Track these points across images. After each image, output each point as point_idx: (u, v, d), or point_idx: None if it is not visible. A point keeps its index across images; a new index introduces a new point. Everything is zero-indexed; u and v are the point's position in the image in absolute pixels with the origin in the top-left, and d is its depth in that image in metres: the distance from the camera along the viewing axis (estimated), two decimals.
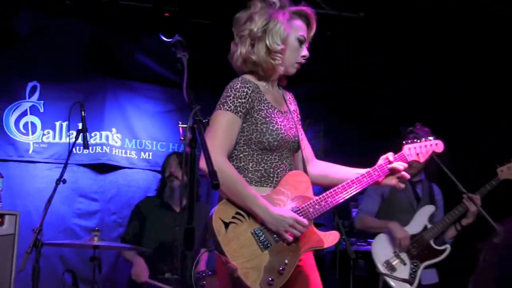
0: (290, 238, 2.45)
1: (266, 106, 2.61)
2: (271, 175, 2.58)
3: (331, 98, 6.24)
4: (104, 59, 5.77)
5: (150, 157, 5.88)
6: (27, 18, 5.48)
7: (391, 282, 4.25)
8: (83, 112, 4.14)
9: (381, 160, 2.76)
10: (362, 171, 2.73)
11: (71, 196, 5.54)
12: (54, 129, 5.62)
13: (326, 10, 5.46)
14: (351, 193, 2.65)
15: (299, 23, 2.72)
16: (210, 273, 4.13)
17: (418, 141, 2.87)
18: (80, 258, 5.29)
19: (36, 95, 5.62)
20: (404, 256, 4.37)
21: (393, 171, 2.73)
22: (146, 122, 5.93)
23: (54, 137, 5.62)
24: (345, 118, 6.24)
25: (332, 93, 6.24)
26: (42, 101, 5.63)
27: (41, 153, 5.56)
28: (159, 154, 5.85)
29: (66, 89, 5.60)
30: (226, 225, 2.41)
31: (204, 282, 4.12)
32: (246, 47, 2.65)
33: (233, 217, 2.44)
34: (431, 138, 2.89)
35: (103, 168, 5.72)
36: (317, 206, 2.57)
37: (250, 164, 2.57)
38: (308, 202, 2.57)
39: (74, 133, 4.15)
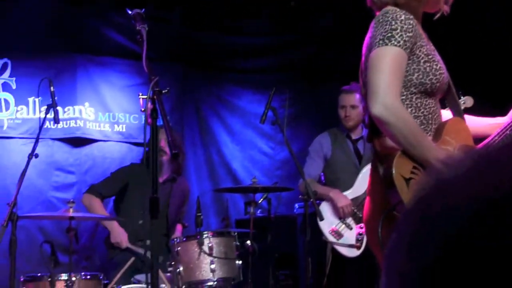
0: None
1: (425, 42, 2.29)
2: (430, 121, 2.27)
3: (296, 66, 6.33)
4: (72, 35, 5.85)
5: (124, 130, 6.01)
6: None
7: (340, 249, 4.32)
8: (52, 88, 4.23)
9: None
10: (501, 120, 2.50)
11: (47, 170, 5.68)
12: (27, 105, 5.71)
13: None
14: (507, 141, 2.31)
15: None
16: (184, 239, 4.25)
17: None
18: (59, 229, 5.44)
19: (8, 72, 5.70)
20: (350, 220, 4.41)
21: None
22: (118, 96, 6.04)
23: (28, 113, 5.71)
24: (312, 84, 6.35)
25: (297, 61, 6.33)
26: (14, 78, 5.71)
27: (15, 129, 5.66)
28: (132, 126, 5.98)
29: (37, 66, 5.68)
30: (407, 181, 2.11)
31: (179, 248, 4.26)
32: None
33: (411, 172, 2.12)
34: None
35: (78, 141, 5.84)
36: None
37: (409, 109, 2.24)
38: None
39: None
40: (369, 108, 2.11)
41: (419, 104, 2.26)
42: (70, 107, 5.83)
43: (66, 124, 5.76)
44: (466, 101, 3.15)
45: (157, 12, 5.94)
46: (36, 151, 5.08)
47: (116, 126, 6.00)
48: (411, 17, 2.23)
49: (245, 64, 6.32)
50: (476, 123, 2.59)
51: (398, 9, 2.23)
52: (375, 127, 2.25)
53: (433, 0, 2.32)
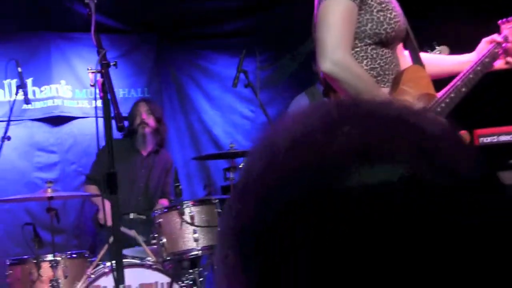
0: None
1: None
2: (387, 72, 2.22)
3: (270, 27, 6.21)
4: (42, 13, 5.77)
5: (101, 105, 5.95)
6: None
7: None
8: (19, 69, 4.21)
9: (484, 44, 2.45)
10: (469, 57, 2.45)
11: (29, 151, 5.65)
12: (3, 88, 5.65)
13: None
14: (470, 85, 2.31)
15: None
16: (165, 210, 4.26)
17: None
18: (44, 209, 5.43)
19: None
20: None
21: (506, 52, 2.43)
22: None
23: (5, 96, 5.65)
24: (287, 45, 6.23)
25: (271, 22, 6.22)
26: None
27: None
28: None
29: (9, 47, 5.60)
30: None
31: (161, 220, 4.27)
32: None
33: None
34: None
35: (57, 120, 5.80)
36: (443, 104, 2.24)
37: (364, 61, 2.18)
38: (434, 101, 2.25)
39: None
40: (319, 65, 2.07)
41: (374, 55, 2.20)
42: (47, 86, 5.77)
43: (44, 103, 5.71)
44: (442, 51, 3.10)
45: None
46: (15, 133, 5.10)
47: (94, 101, 5.93)
48: None
49: (219, 29, 6.24)
50: (443, 62, 2.54)
51: None
52: (329, 83, 2.21)
53: None
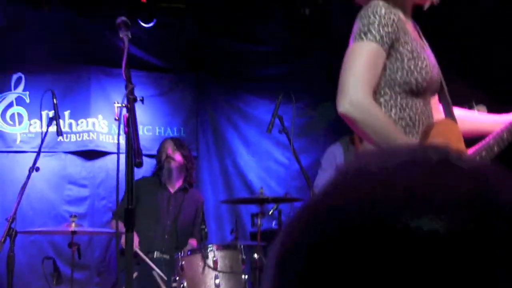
0: None
1: (410, 38, 2.13)
2: (416, 123, 2.11)
3: (311, 74, 6.15)
4: (85, 47, 5.83)
5: None
6: (7, 11, 5.54)
7: None
8: (54, 100, 4.19)
9: None
10: (506, 117, 2.35)
11: (60, 183, 5.64)
12: (40, 119, 5.68)
13: None
14: (503, 145, 2.23)
15: None
16: (189, 253, 4.15)
17: None
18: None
19: (22, 86, 5.71)
20: None
21: None
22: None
23: (41, 127, 5.68)
24: (327, 93, 6.14)
25: (313, 68, 6.16)
26: (28, 92, 5.71)
27: (28, 143, 5.64)
28: (146, 138, 5.89)
29: (50, 79, 5.66)
30: None
31: (184, 262, 4.15)
32: None
33: None
34: None
35: (91, 154, 5.79)
36: None
37: (393, 110, 2.09)
38: None
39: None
40: (337, 106, 1.97)
41: (404, 105, 2.10)
42: (84, 120, 5.79)
43: (79, 137, 5.72)
44: (480, 110, 2.98)
45: (170, 21, 5.87)
46: (47, 165, 5.09)
47: (116, 136, 5.92)
48: (394, 11, 2.08)
49: (261, 72, 6.20)
50: (478, 120, 2.43)
51: (381, 3, 2.08)
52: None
53: None
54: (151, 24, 5.63)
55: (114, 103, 2.53)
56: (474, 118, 2.45)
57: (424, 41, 2.29)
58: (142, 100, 2.56)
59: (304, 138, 5.78)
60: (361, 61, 2.00)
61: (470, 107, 2.66)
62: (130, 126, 2.31)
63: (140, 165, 2.15)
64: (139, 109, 6.00)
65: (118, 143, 2.50)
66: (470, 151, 2.20)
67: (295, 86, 5.79)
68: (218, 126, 6.16)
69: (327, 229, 0.51)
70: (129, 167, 2.33)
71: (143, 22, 5.61)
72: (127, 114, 2.46)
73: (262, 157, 6.02)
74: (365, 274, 0.49)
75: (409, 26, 2.19)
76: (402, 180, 0.52)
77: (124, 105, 2.43)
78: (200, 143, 6.06)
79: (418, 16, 2.30)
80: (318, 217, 0.53)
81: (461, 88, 2.55)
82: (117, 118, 2.45)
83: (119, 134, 2.47)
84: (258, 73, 6.21)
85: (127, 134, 2.45)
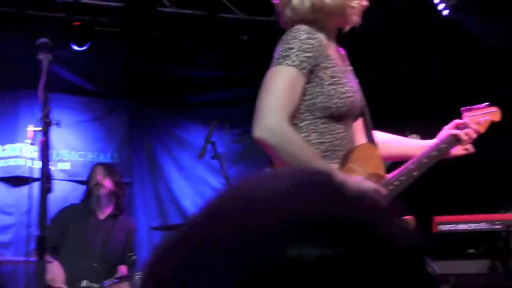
0: None
1: (332, 63, 2.12)
2: (337, 148, 2.10)
3: (249, 101, 6.16)
4: (15, 70, 5.66)
5: (69, 167, 5.78)
6: None
7: None
8: None
9: (445, 131, 2.39)
10: (427, 143, 2.39)
11: None
12: None
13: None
14: (423, 170, 2.24)
15: None
16: (116, 281, 4.05)
17: (477, 108, 2.46)
18: None
19: None
20: None
21: (460, 140, 2.36)
22: (63, 133, 5.80)
23: None
24: None
25: (249, 96, 6.16)
26: None
27: None
28: (77, 164, 5.76)
29: None
30: None
31: None
32: None
33: None
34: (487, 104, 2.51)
35: (18, 180, 5.58)
36: (391, 187, 2.15)
37: (313, 135, 2.08)
38: (383, 182, 2.16)
39: None
40: (252, 131, 1.94)
41: (324, 130, 2.09)
42: (10, 145, 5.59)
43: (6, 162, 5.52)
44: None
45: (106, 46, 5.78)
46: None
47: (59, 164, 5.76)
48: (315, 36, 2.08)
49: (198, 98, 6.17)
50: (399, 144, 2.44)
51: (304, 27, 2.08)
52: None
53: (338, 12, 2.14)
54: (84, 48, 5.50)
55: (28, 126, 2.43)
56: (396, 142, 2.46)
57: (348, 65, 2.29)
58: (58, 124, 2.46)
59: (241, 164, 5.76)
60: (278, 86, 1.99)
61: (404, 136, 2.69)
62: (43, 150, 2.21)
63: (48, 191, 2.05)
64: (72, 134, 5.90)
65: (31, 168, 2.39)
66: (390, 175, 2.20)
67: (233, 112, 5.79)
68: (153, 151, 6.08)
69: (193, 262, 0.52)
70: (43, 194, 2.22)
71: (76, 45, 5.48)
72: (43, 138, 2.36)
73: (196, 183, 5.96)
74: None
75: (332, 50, 2.19)
76: (280, 207, 0.51)
77: (41, 128, 2.33)
78: (134, 169, 5.95)
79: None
80: (185, 248, 0.53)
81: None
82: (31, 142, 2.35)
83: (33, 159, 2.37)
84: (195, 99, 6.19)
85: (43, 156, 2.36)
